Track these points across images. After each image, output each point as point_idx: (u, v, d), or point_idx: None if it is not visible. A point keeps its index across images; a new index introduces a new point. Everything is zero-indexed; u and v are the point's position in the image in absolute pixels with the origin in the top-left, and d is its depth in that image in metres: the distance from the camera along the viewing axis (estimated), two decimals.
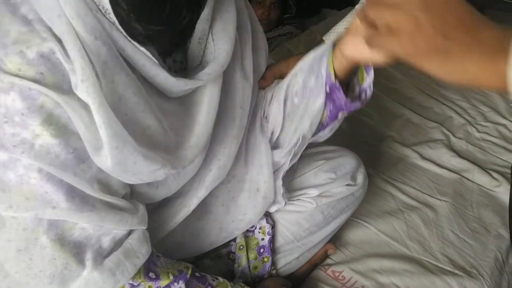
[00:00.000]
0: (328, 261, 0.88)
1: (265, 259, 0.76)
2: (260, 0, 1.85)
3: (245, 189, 0.70)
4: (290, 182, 0.77)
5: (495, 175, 1.06)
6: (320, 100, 0.61)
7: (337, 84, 0.58)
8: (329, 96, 0.60)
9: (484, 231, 0.94)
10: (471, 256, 0.89)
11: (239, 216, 0.71)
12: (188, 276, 0.60)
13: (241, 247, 0.75)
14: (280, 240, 0.78)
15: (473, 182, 1.05)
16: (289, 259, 0.79)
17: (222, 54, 0.55)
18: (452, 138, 1.18)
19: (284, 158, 0.70)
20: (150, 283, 0.57)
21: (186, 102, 0.56)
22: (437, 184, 1.05)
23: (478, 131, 1.20)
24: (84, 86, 0.43)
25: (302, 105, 0.64)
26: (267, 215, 0.77)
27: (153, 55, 0.49)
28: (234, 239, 0.76)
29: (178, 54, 0.57)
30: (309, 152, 0.81)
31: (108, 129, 0.45)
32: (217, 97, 0.57)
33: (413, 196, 1.01)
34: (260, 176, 0.70)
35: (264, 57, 0.70)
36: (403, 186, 1.04)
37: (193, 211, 0.65)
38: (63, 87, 0.44)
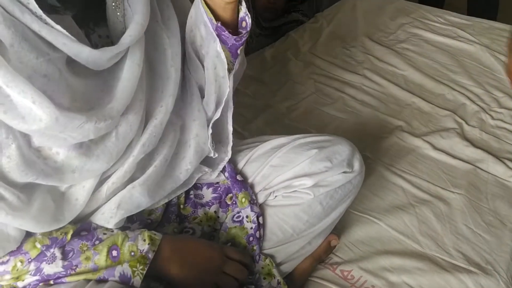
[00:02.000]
0: (336, 259, 0.85)
1: (254, 247, 0.74)
2: None
3: (181, 143, 0.73)
4: (226, 137, 0.78)
5: (510, 164, 1.01)
6: (215, 44, 0.67)
7: (219, 24, 0.65)
8: (220, 38, 0.66)
9: (500, 224, 0.90)
10: (486, 251, 0.85)
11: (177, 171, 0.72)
12: (67, 240, 0.60)
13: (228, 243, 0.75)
14: (279, 235, 0.76)
15: (488, 172, 1.01)
16: (289, 253, 0.77)
17: (139, 15, 0.58)
18: (465, 127, 1.13)
19: (212, 107, 0.73)
20: (21, 257, 0.58)
21: (112, 70, 0.58)
22: (450, 176, 1.01)
23: (493, 118, 1.15)
24: None
25: (209, 54, 0.69)
26: (253, 204, 0.75)
27: (72, 32, 0.51)
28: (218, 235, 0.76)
29: (101, 29, 0.60)
30: (301, 142, 0.78)
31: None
32: (139, 54, 0.59)
33: (424, 189, 0.98)
34: (194, 129, 0.73)
35: None
36: (414, 178, 1.00)
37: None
38: None
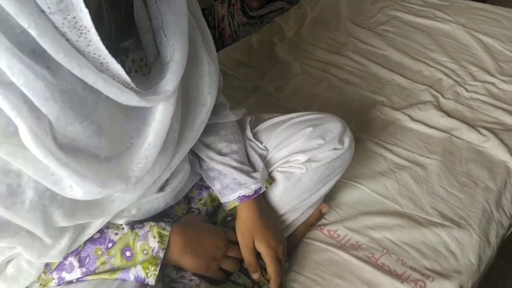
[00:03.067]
0: (324, 221, 0.92)
1: None
2: None
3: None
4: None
5: (483, 131, 1.09)
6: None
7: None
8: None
9: (473, 184, 0.98)
10: (460, 208, 0.93)
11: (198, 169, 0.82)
12: (81, 247, 0.64)
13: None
14: (274, 210, 0.83)
15: (462, 139, 1.08)
16: (284, 224, 0.84)
17: (178, 53, 0.54)
18: (441, 99, 1.21)
19: None
20: (44, 269, 0.63)
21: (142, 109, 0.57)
22: (427, 144, 1.08)
23: (467, 91, 1.23)
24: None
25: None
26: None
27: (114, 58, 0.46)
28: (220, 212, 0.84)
29: (135, 53, 0.58)
30: (296, 121, 0.85)
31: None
32: (175, 95, 0.57)
33: (404, 156, 1.05)
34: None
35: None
36: (394, 147, 1.08)
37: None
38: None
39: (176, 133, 0.63)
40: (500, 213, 0.93)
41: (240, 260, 0.78)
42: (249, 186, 0.76)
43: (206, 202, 0.83)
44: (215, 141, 0.79)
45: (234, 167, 0.77)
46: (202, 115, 0.68)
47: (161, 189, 0.72)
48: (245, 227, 0.76)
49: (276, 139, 0.84)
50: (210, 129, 0.79)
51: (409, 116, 1.16)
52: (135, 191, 0.62)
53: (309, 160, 0.81)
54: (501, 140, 1.06)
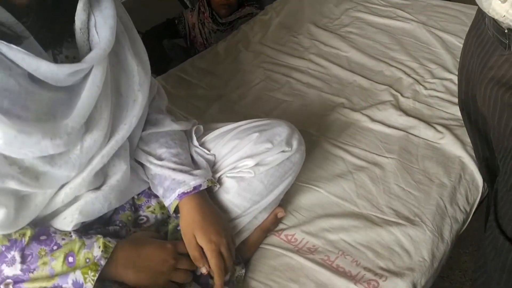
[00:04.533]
0: (282, 226, 0.94)
1: None
2: None
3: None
4: None
5: (439, 128, 1.11)
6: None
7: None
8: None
9: (428, 181, 1.00)
10: (415, 205, 0.95)
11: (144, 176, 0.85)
12: (26, 242, 0.66)
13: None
14: (226, 214, 0.84)
15: (419, 137, 1.10)
16: (237, 229, 0.85)
17: (103, 41, 0.65)
18: (401, 98, 1.23)
19: None
20: None
21: (73, 88, 0.65)
22: (385, 143, 1.10)
23: (426, 88, 1.25)
24: None
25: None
26: None
27: (35, 51, 0.58)
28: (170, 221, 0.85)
29: (69, 51, 0.66)
30: (244, 128, 0.86)
31: None
32: (100, 76, 0.66)
33: (362, 157, 1.07)
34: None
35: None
36: (352, 148, 1.09)
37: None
38: None
39: (106, 121, 0.70)
40: (454, 208, 0.95)
41: (194, 270, 0.79)
42: (188, 183, 0.78)
43: (154, 210, 0.84)
44: (155, 148, 0.83)
45: (173, 169, 0.80)
46: (135, 111, 0.75)
47: (100, 187, 0.75)
48: (185, 223, 0.78)
49: (224, 148, 0.85)
50: (150, 138, 0.83)
51: (368, 116, 1.18)
52: (66, 167, 0.66)
53: (257, 164, 0.83)
54: (456, 136, 1.07)
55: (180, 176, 0.79)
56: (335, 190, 0.99)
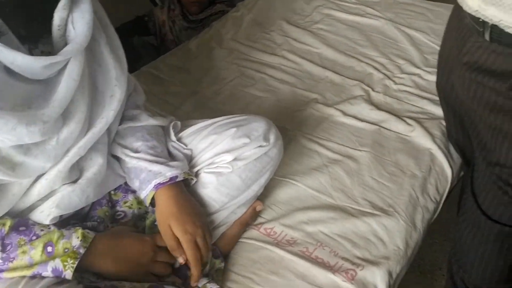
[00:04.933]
0: (260, 220, 0.95)
1: None
2: None
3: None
4: None
5: (409, 121, 1.14)
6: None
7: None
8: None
9: (401, 173, 1.03)
10: (388, 196, 0.98)
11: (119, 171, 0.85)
12: (5, 232, 0.67)
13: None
14: (204, 209, 0.84)
15: (391, 130, 1.14)
16: (215, 223, 0.86)
17: (80, 36, 0.66)
18: (372, 93, 1.26)
19: None
20: None
21: (50, 81, 0.65)
22: (358, 137, 1.13)
23: (395, 83, 1.29)
24: None
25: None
26: None
27: (12, 45, 0.59)
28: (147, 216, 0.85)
29: (45, 46, 0.67)
30: (221, 124, 0.87)
31: None
32: (77, 70, 0.67)
33: (336, 150, 1.09)
34: None
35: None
36: (327, 143, 1.12)
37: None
38: None
39: (83, 114, 0.71)
40: (426, 198, 0.99)
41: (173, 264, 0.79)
42: (164, 174, 0.78)
43: (132, 205, 0.84)
44: (131, 142, 0.83)
45: (149, 161, 0.80)
46: (112, 105, 0.76)
47: (76, 180, 0.75)
48: (161, 214, 0.78)
49: (201, 143, 0.86)
50: (126, 132, 0.84)
51: (341, 111, 1.20)
52: (42, 157, 0.66)
53: (235, 159, 0.83)
54: (425, 128, 1.11)
55: (156, 167, 0.79)
56: (311, 183, 1.01)
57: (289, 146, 1.10)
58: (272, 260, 0.87)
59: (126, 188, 0.86)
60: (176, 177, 0.79)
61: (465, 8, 0.68)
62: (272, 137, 0.87)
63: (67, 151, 0.71)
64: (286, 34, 1.55)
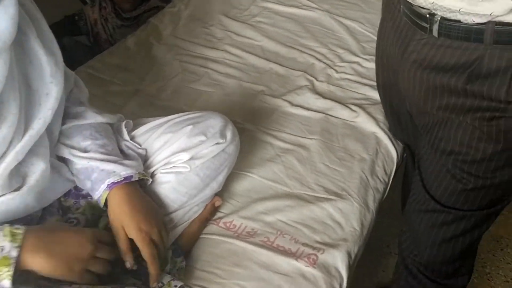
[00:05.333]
0: (219, 214, 0.94)
1: None
2: None
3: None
4: None
5: (353, 107, 1.19)
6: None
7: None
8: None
9: (350, 157, 1.07)
10: (340, 181, 1.01)
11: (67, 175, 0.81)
12: None
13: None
14: (162, 209, 0.82)
15: (337, 117, 1.17)
16: (173, 222, 0.84)
17: (3, 32, 0.61)
18: (316, 82, 1.29)
19: None
20: None
21: None
22: (307, 126, 1.15)
23: (337, 72, 1.33)
24: None
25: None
26: None
27: None
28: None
29: None
30: (176, 121, 0.85)
31: None
32: (2, 70, 0.62)
33: (287, 140, 1.11)
34: None
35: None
36: (278, 133, 1.13)
37: None
38: None
39: (16, 117, 0.66)
40: (375, 179, 1.03)
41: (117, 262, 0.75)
42: (119, 173, 0.75)
43: (84, 210, 0.80)
44: (79, 142, 0.78)
45: (101, 159, 0.76)
46: (48, 104, 0.71)
47: (19, 188, 0.69)
48: (114, 215, 0.75)
49: (156, 142, 0.83)
50: (72, 132, 0.79)
51: (288, 102, 1.22)
52: None
53: (192, 158, 0.82)
54: (369, 113, 1.16)
55: (109, 166, 0.76)
56: (266, 174, 1.02)
57: (241, 138, 1.08)
58: (235, 253, 0.87)
59: (77, 194, 0.82)
60: (131, 176, 0.76)
61: (418, 1, 0.67)
62: (228, 134, 0.86)
63: (3, 156, 0.66)
64: (226, 28, 1.55)
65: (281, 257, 0.85)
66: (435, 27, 0.67)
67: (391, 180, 1.07)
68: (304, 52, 1.41)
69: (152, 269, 0.73)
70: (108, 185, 0.75)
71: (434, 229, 0.82)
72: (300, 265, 0.85)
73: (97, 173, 0.76)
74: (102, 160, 0.76)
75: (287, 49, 1.43)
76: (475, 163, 0.74)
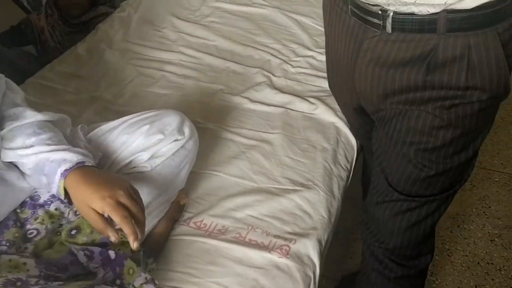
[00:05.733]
0: (188, 214, 0.94)
1: None
2: None
3: None
4: None
5: (312, 100, 1.21)
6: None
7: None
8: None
9: (312, 148, 1.09)
10: (305, 171, 1.03)
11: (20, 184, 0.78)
12: None
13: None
14: None
15: (296, 111, 1.20)
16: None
17: None
18: (273, 78, 1.31)
19: None
20: None
21: None
22: (268, 121, 1.17)
23: (293, 67, 1.35)
24: None
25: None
26: None
27: None
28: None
29: None
30: (132, 122, 0.84)
31: None
32: None
33: (250, 136, 1.12)
34: None
35: None
36: (240, 130, 1.14)
37: None
38: None
39: None
40: (338, 168, 1.06)
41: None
42: (71, 160, 0.71)
43: (43, 220, 0.78)
44: (23, 141, 0.75)
45: (49, 151, 0.73)
46: None
47: None
48: (77, 200, 0.70)
49: (114, 144, 0.82)
50: (14, 134, 0.76)
51: (248, 98, 1.23)
52: None
53: (152, 157, 0.81)
54: (327, 104, 1.19)
55: (59, 155, 0.72)
56: (232, 171, 1.03)
57: (204, 138, 1.10)
58: (208, 251, 0.87)
59: (33, 204, 0.79)
60: (84, 162, 0.72)
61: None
62: (186, 130, 0.86)
63: None
64: (179, 30, 1.54)
65: (254, 251, 0.86)
66: (388, 23, 0.67)
67: (353, 167, 1.10)
68: (259, 49, 1.42)
69: (126, 229, 0.67)
70: (61, 173, 0.70)
71: (398, 217, 0.84)
72: (274, 257, 0.86)
73: (48, 166, 0.72)
74: (50, 151, 0.72)
75: (242, 47, 1.44)
76: (436, 150, 0.75)
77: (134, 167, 0.82)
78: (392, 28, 0.67)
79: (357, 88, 0.79)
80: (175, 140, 0.84)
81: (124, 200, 0.69)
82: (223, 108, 1.21)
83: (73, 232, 0.77)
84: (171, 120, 0.86)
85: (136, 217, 0.69)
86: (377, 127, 0.82)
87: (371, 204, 0.90)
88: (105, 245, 0.75)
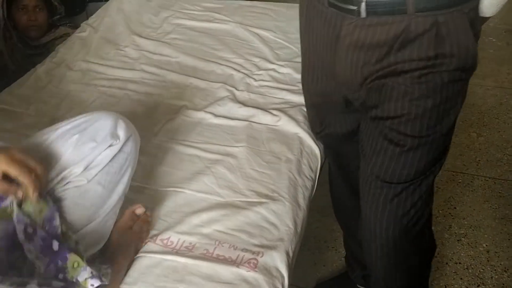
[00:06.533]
0: (154, 232, 0.93)
1: None
2: (21, 6, 1.74)
3: None
4: None
5: (275, 112, 1.23)
6: None
7: None
8: None
9: (277, 159, 1.10)
10: (270, 183, 1.04)
11: None
12: None
13: None
14: (71, 227, 0.76)
15: (260, 123, 1.21)
16: (93, 236, 0.80)
17: None
18: (236, 92, 1.32)
19: None
20: None
21: None
22: (232, 135, 1.17)
23: (255, 80, 1.37)
24: None
25: None
26: None
27: None
28: None
29: None
30: (61, 132, 0.79)
31: None
32: None
33: (215, 151, 1.12)
34: None
35: None
36: (204, 145, 1.14)
37: None
38: None
39: None
40: (303, 178, 1.07)
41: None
42: None
43: None
44: None
45: None
46: None
47: None
48: None
49: (45, 159, 0.76)
50: None
51: (211, 113, 1.24)
52: None
53: (87, 169, 0.77)
54: (290, 116, 1.21)
55: None
56: (197, 187, 1.03)
57: (168, 155, 1.10)
58: (175, 269, 0.86)
59: None
60: None
61: None
62: (121, 132, 0.81)
63: None
64: (140, 48, 1.54)
65: (222, 266, 0.86)
66: (363, 8, 0.73)
67: (317, 176, 1.12)
68: (222, 64, 1.44)
69: (25, 179, 0.67)
70: None
71: (386, 204, 0.88)
72: (242, 271, 0.86)
73: None
74: None
75: (204, 62, 1.45)
76: (410, 122, 0.80)
77: (69, 182, 0.77)
78: (367, 13, 0.73)
79: (339, 75, 0.84)
80: (110, 146, 0.79)
81: (19, 156, 0.68)
82: (187, 124, 1.21)
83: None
84: (103, 124, 0.80)
85: (35, 171, 0.69)
86: (364, 119, 0.88)
87: (364, 201, 0.95)
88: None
